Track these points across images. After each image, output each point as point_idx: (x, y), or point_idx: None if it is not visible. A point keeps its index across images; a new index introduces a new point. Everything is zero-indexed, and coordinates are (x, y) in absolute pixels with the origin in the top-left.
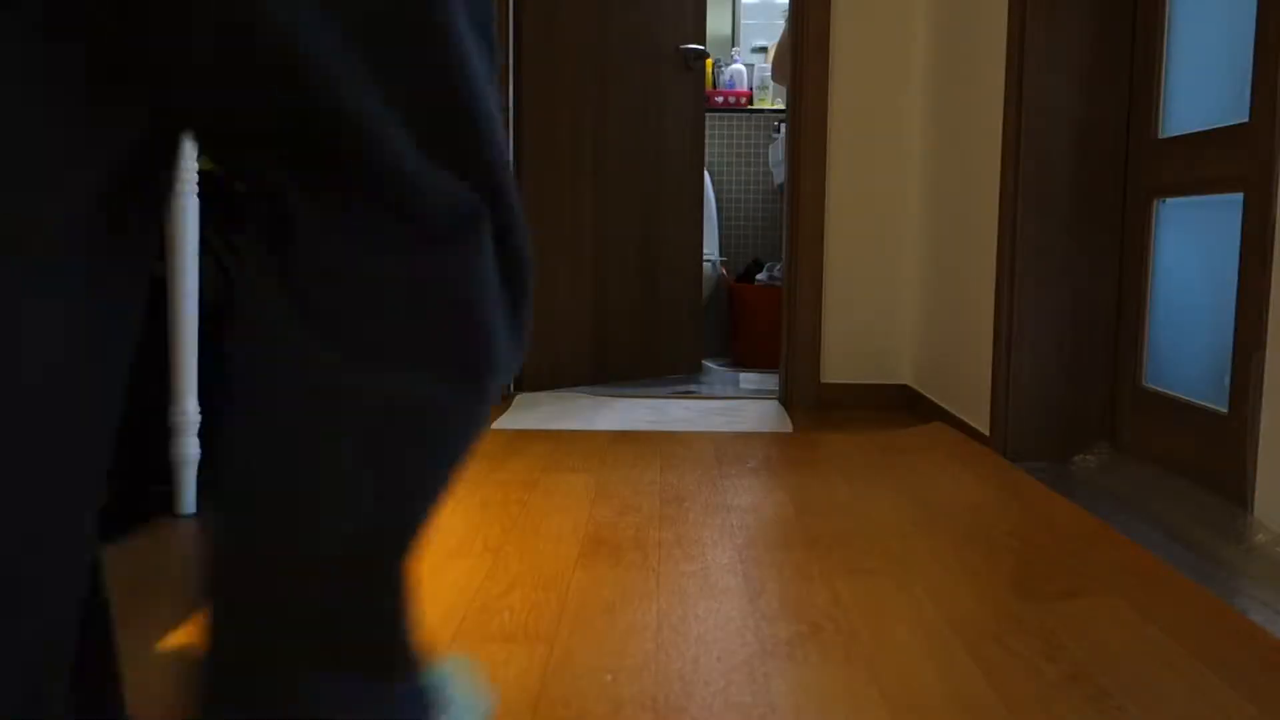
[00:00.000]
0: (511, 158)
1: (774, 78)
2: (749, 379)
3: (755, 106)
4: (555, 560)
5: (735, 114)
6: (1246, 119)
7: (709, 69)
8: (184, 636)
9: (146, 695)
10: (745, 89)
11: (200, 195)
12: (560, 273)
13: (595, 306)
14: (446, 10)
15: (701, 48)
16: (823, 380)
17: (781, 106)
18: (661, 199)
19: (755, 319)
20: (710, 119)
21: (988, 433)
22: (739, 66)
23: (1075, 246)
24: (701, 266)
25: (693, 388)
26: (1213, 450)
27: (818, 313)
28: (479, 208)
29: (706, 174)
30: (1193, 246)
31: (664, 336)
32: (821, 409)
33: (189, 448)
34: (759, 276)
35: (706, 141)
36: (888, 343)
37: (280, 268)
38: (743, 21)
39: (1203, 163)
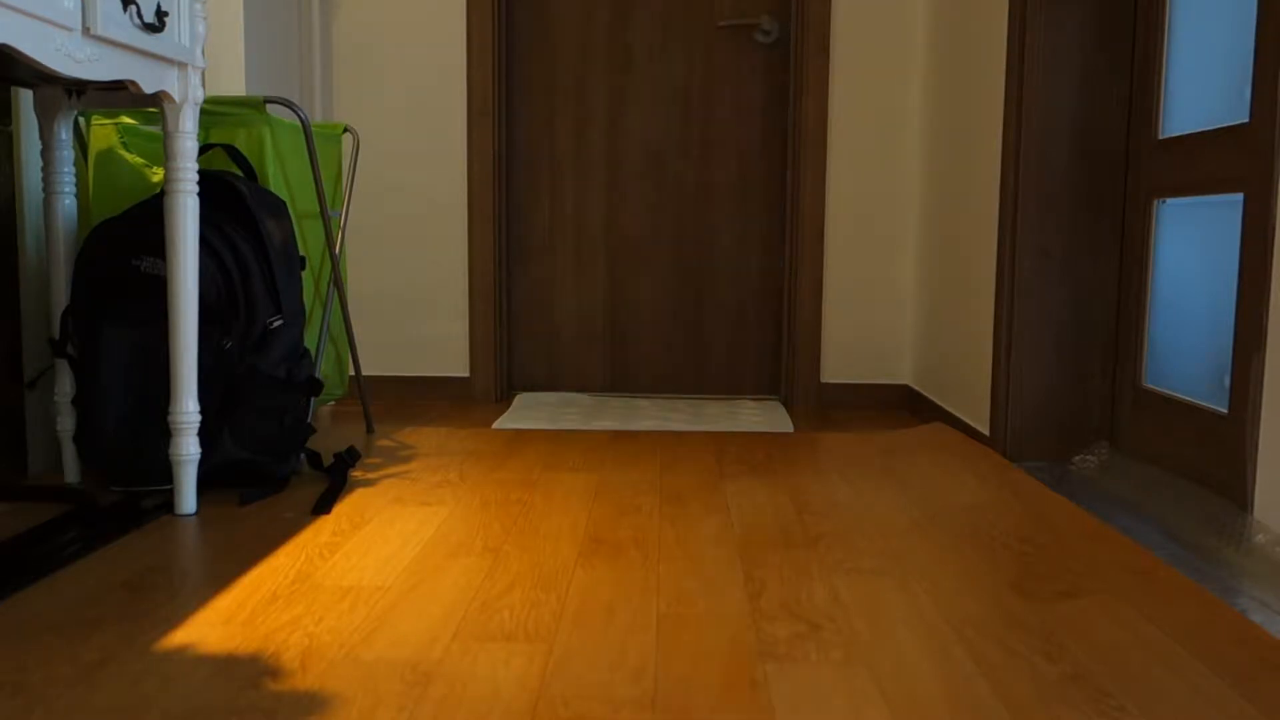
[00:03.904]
0: (503, 150)
1: None
2: None
3: None
4: (555, 560)
5: None
6: (1246, 119)
7: None
8: (184, 636)
9: (147, 695)
10: None
11: (200, 195)
12: (562, 271)
13: (609, 309)
14: None
15: (762, 21)
16: (823, 380)
17: None
18: (714, 193)
19: None
20: None
21: (988, 433)
22: None
23: (1075, 246)
24: (778, 271)
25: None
26: (1213, 450)
27: (818, 313)
28: None
29: None
30: (1193, 246)
31: (713, 349)
32: (821, 409)
33: (189, 448)
34: None
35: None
36: (888, 343)
37: None
38: None
39: (1203, 163)
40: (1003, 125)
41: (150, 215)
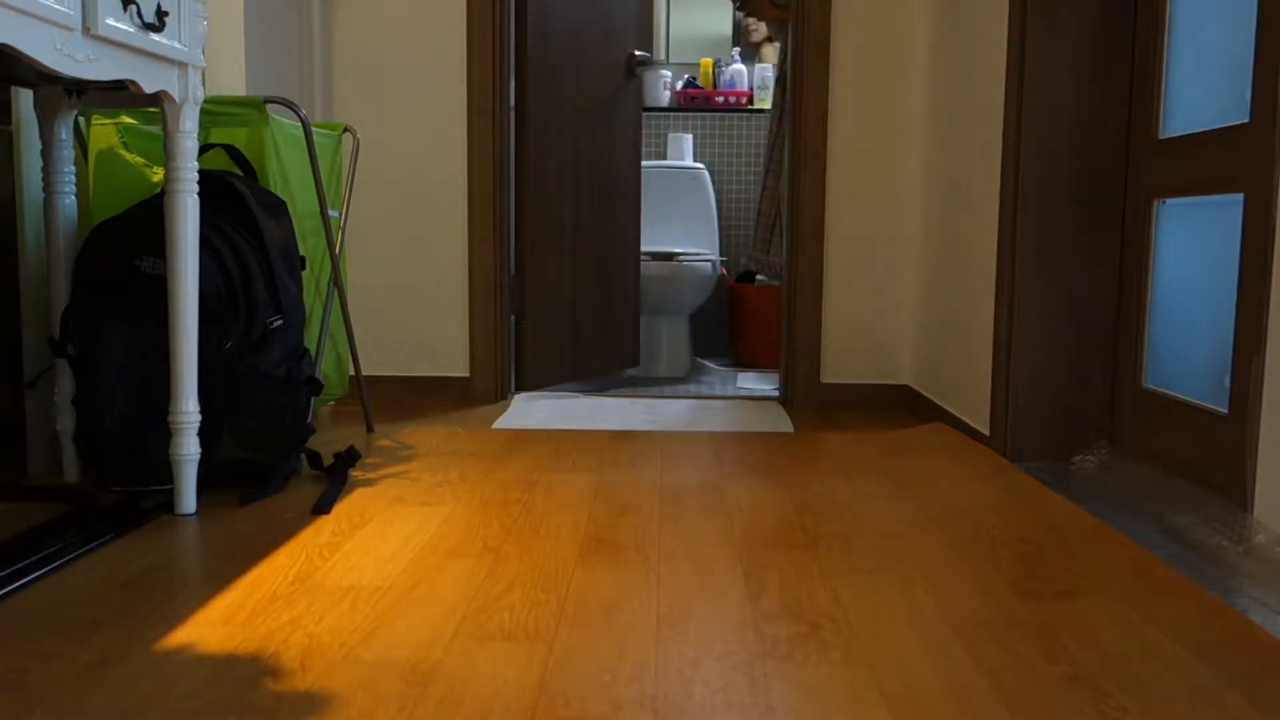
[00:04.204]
0: (503, 150)
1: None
2: (749, 379)
3: (755, 106)
4: (555, 560)
5: (735, 114)
6: (1246, 119)
7: (709, 69)
8: (184, 636)
9: (147, 695)
10: (745, 89)
11: (200, 195)
12: (549, 271)
13: (573, 302)
14: None
15: (648, 54)
16: (823, 380)
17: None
18: (614, 195)
19: (755, 319)
20: (710, 119)
21: (988, 433)
22: (739, 67)
23: (1075, 246)
24: (639, 262)
25: (692, 387)
26: (1213, 450)
27: (818, 313)
28: None
29: (707, 174)
30: (1193, 246)
31: (615, 330)
32: (821, 409)
33: (189, 447)
34: (759, 276)
35: (707, 142)
36: (888, 343)
37: None
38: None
39: (1203, 163)
40: (1003, 125)
41: (150, 215)
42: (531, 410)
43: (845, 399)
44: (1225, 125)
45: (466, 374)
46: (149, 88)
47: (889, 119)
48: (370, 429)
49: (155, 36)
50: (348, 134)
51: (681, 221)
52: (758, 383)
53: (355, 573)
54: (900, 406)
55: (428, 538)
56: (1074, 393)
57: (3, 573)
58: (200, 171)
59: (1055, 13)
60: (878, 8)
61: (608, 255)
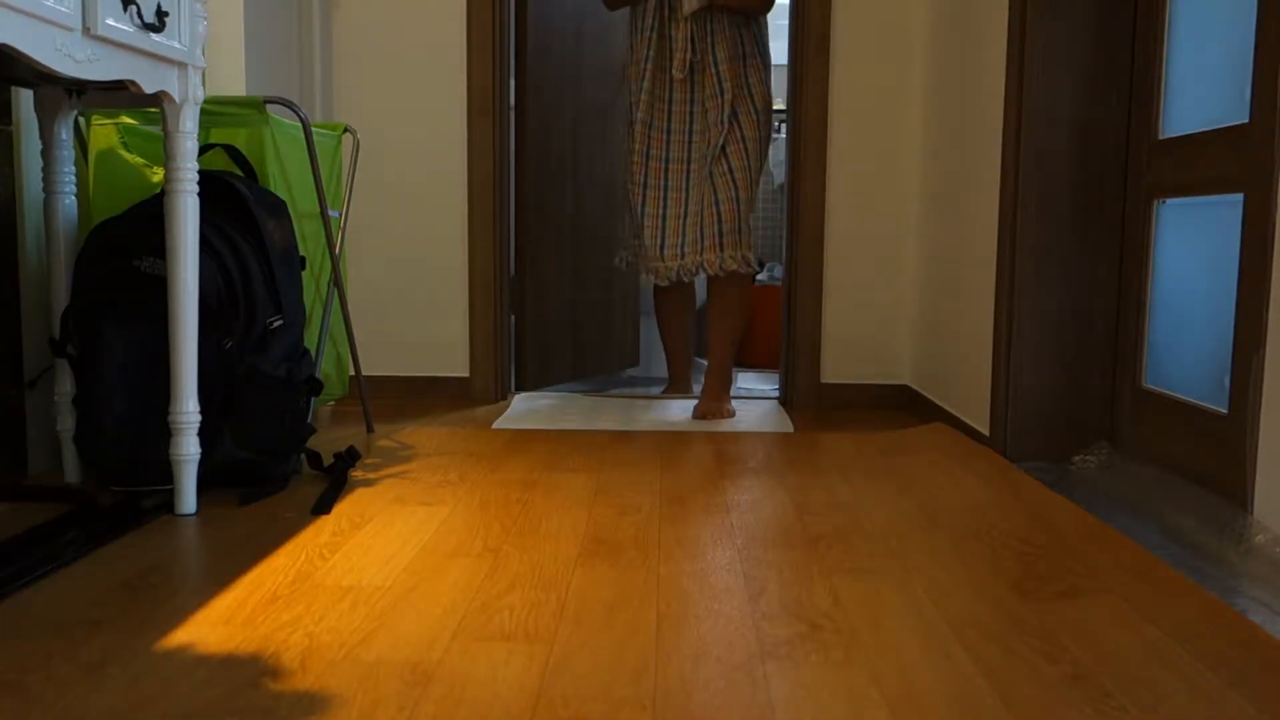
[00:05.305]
0: (503, 149)
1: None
2: (749, 379)
3: None
4: (555, 560)
5: None
6: (1246, 119)
7: None
8: (184, 636)
9: (147, 695)
10: None
11: (200, 195)
12: (549, 271)
13: (574, 304)
14: None
15: None
16: (823, 380)
17: (782, 106)
18: (614, 195)
19: (755, 319)
20: None
21: (988, 433)
22: None
23: (1075, 246)
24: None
25: (692, 387)
26: (1213, 450)
27: (818, 313)
28: None
29: None
30: (1193, 246)
31: (615, 330)
32: (821, 409)
33: (189, 447)
34: (759, 276)
35: None
36: (888, 343)
37: None
38: None
39: (1203, 163)
40: (1003, 125)
41: (150, 215)
42: (531, 410)
43: (845, 399)
44: (1225, 125)
45: (466, 374)
46: (149, 88)
47: (889, 119)
48: (370, 429)
49: (155, 37)
50: (348, 134)
51: None
52: (758, 383)
53: (355, 573)
54: (900, 406)
55: (428, 538)
56: (1074, 393)
57: (3, 573)
58: (200, 171)
59: (1055, 13)
60: (878, 8)
61: (608, 255)
